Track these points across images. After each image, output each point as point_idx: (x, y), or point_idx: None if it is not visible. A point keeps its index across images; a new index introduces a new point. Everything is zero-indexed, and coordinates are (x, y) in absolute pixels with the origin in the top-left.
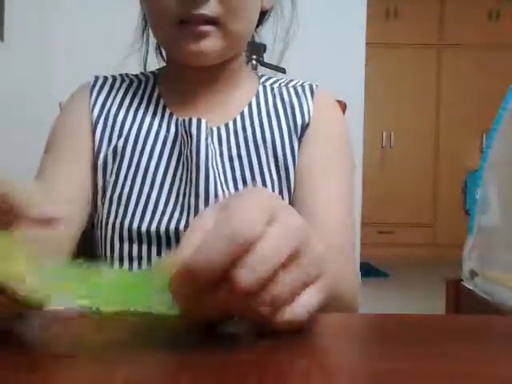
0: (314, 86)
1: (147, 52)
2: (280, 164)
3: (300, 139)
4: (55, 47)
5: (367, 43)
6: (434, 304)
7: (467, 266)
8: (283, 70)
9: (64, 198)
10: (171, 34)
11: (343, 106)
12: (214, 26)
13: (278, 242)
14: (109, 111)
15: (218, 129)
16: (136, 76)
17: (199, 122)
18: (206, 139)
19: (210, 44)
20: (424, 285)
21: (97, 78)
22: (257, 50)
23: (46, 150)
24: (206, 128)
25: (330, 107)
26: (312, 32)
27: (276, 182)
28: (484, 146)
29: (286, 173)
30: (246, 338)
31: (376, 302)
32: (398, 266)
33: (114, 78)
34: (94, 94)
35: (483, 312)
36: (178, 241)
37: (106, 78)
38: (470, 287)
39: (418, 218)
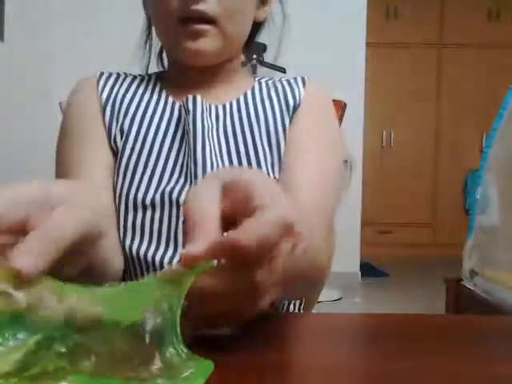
0: (306, 78)
1: (149, 60)
2: (272, 139)
3: (291, 119)
4: (55, 47)
5: (367, 43)
6: (433, 304)
7: (467, 265)
8: (283, 70)
9: (98, 186)
10: (173, 32)
11: (343, 106)
12: (211, 25)
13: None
14: (116, 95)
15: (216, 107)
16: (139, 75)
17: (194, 98)
18: (202, 113)
19: (208, 43)
20: (424, 285)
21: (102, 73)
22: (257, 49)
23: (64, 144)
24: (202, 103)
25: (319, 93)
26: (312, 32)
27: (268, 156)
28: (484, 146)
29: (277, 147)
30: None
31: (376, 301)
32: (398, 266)
33: (118, 74)
34: (102, 81)
35: (483, 311)
36: (178, 206)
37: (110, 73)
38: (470, 287)
39: (418, 218)
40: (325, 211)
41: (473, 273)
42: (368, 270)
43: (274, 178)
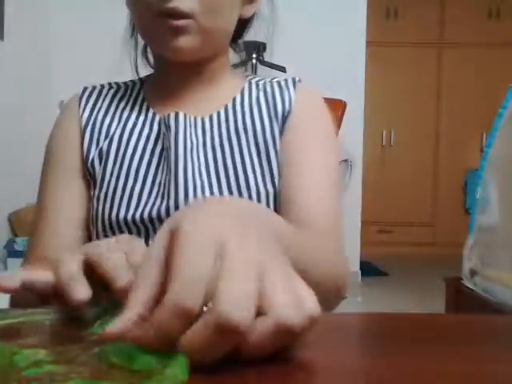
0: (297, 79)
1: (136, 55)
2: (261, 149)
3: (283, 126)
4: (55, 47)
5: (367, 43)
6: (433, 303)
7: (467, 265)
8: (283, 69)
9: (68, 218)
10: (151, 27)
11: (343, 106)
12: (190, 20)
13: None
14: (96, 117)
15: (203, 120)
16: (124, 83)
17: (177, 115)
18: (185, 131)
19: (188, 40)
20: (424, 284)
21: (85, 89)
22: (256, 48)
23: (44, 169)
24: (185, 120)
25: (312, 96)
26: (312, 31)
27: (257, 168)
28: (484, 146)
29: (267, 157)
30: None
31: (376, 301)
32: (398, 265)
33: (102, 86)
34: (83, 103)
35: (483, 311)
36: (154, 228)
37: (93, 87)
38: (470, 286)
39: (418, 217)
40: (335, 227)
41: (473, 272)
42: (368, 269)
43: (266, 189)
